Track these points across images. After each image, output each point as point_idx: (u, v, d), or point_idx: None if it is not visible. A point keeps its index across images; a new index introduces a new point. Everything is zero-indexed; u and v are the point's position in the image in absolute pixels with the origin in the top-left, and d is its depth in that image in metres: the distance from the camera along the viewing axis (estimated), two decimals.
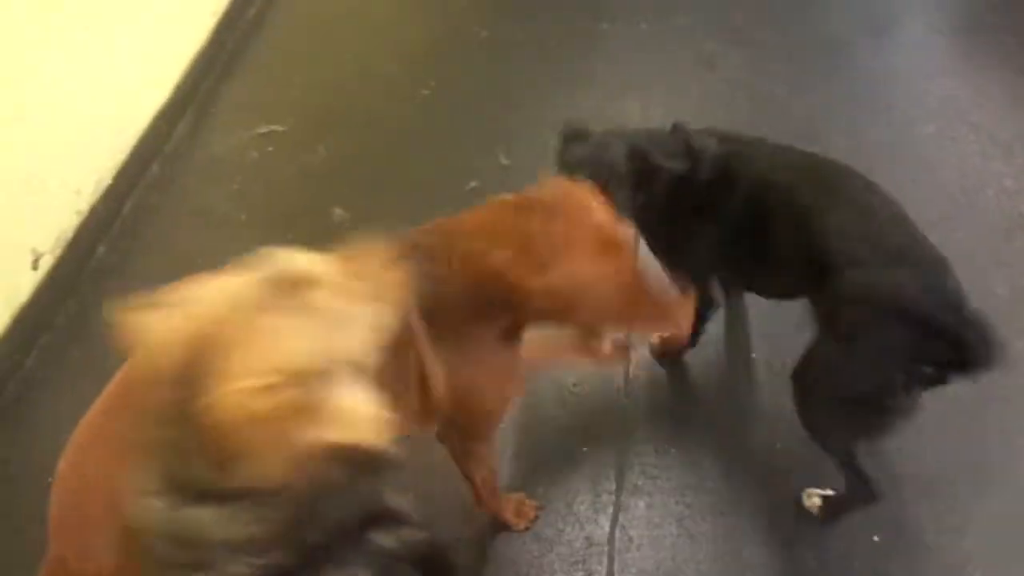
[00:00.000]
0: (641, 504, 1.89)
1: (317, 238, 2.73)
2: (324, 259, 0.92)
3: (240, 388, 0.74)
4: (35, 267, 2.31)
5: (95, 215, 2.53)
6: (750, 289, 2.03)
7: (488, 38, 3.31)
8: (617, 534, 1.84)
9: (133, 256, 2.51)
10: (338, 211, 2.57)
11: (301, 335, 0.80)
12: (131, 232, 2.59)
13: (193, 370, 0.76)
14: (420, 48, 3.30)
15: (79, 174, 2.50)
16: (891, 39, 3.23)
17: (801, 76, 3.05)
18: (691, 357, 2.16)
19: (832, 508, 1.82)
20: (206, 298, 0.81)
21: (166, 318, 0.80)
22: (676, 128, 1.81)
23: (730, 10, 3.39)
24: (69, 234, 2.44)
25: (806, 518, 1.85)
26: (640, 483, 1.93)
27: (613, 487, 1.92)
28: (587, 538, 1.84)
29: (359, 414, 0.82)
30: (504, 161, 2.74)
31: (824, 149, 2.58)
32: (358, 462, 0.83)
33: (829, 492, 1.82)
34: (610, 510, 1.88)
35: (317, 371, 0.79)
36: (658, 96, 2.95)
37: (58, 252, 2.38)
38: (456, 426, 1.50)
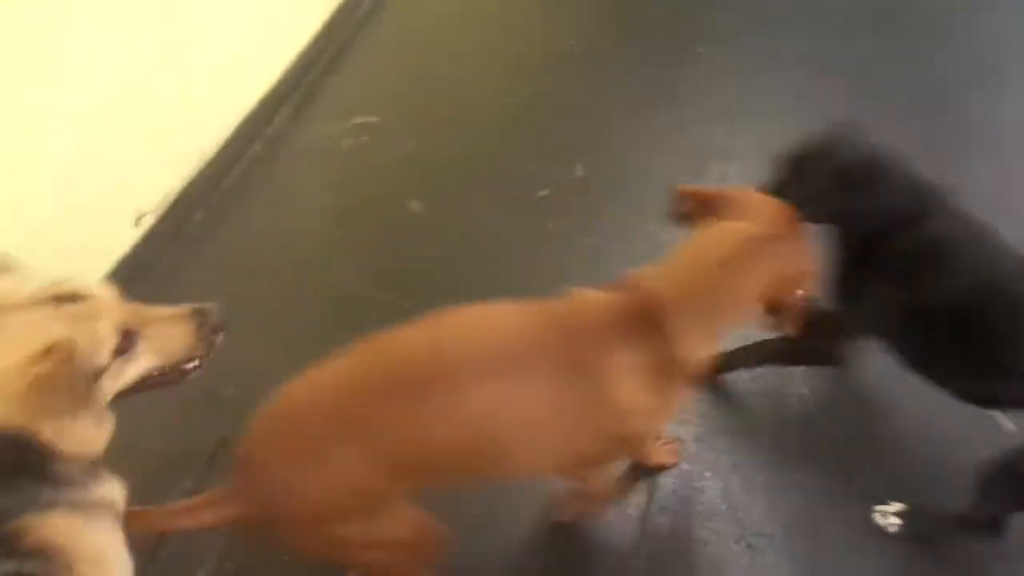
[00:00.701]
0: (667, 523, 1.89)
1: (390, 227, 2.82)
2: None
3: None
4: (137, 224, 2.52)
5: (197, 184, 2.73)
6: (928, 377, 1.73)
7: (583, 52, 3.36)
8: (640, 549, 1.85)
9: (225, 224, 2.68)
10: (414, 203, 2.68)
11: None
12: (227, 203, 2.77)
13: None
14: (517, 56, 3.38)
15: (187, 145, 2.71)
16: (1002, 87, 3.09)
17: (903, 117, 2.93)
18: (741, 387, 2.14)
19: (928, 529, 1.82)
20: None
21: None
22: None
23: (840, 45, 3.30)
24: (171, 198, 2.64)
25: (831, 561, 1.81)
26: (670, 503, 1.93)
27: (644, 501, 1.93)
28: (607, 547, 1.86)
29: None
30: (579, 173, 2.78)
31: None
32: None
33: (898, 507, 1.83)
34: (636, 524, 1.89)
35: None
36: (744, 123, 2.92)
37: (159, 213, 2.59)
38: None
